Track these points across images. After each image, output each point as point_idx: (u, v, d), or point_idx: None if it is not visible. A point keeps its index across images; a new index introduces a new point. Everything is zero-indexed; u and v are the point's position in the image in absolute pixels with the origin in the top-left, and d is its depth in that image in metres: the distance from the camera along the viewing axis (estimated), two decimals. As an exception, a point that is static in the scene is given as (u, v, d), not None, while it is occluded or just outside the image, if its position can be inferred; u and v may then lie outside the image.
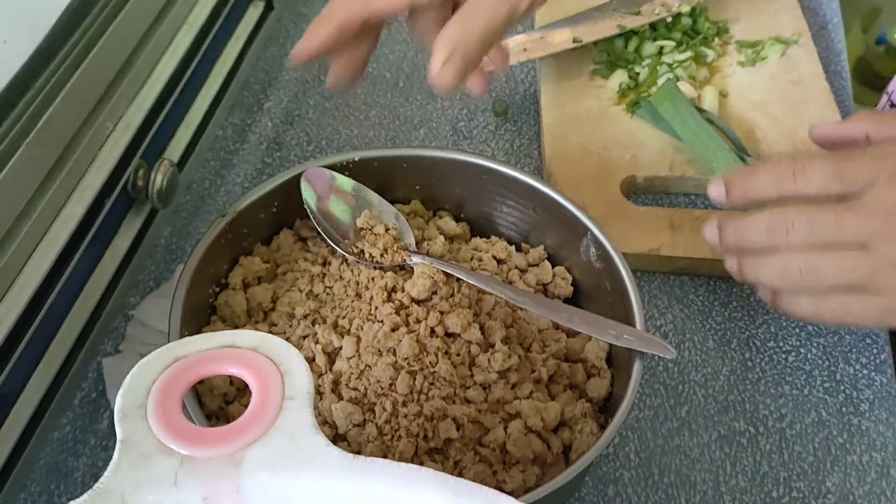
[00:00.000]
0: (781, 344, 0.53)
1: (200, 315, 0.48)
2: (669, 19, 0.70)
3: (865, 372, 0.52)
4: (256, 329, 0.47)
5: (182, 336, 0.43)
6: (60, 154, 0.42)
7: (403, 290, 0.47)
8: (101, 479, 0.30)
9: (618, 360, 0.47)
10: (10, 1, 0.45)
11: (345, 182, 0.50)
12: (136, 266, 0.52)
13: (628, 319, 0.46)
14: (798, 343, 0.53)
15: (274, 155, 0.63)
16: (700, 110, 0.61)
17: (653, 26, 0.69)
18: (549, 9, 0.70)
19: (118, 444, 0.31)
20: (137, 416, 0.32)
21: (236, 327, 0.47)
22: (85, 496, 0.30)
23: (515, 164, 0.63)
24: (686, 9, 0.70)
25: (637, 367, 0.43)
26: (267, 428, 0.32)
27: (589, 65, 0.68)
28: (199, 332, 0.47)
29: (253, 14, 0.65)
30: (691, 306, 0.55)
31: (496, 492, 0.31)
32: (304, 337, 0.46)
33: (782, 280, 0.46)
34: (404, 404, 0.43)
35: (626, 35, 0.69)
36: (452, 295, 0.48)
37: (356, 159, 0.51)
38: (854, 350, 0.53)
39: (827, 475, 0.48)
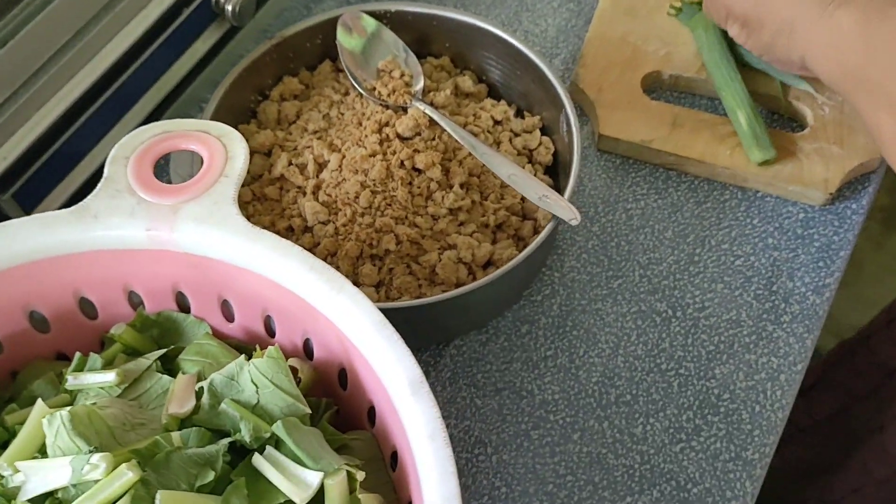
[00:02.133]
0: (735, 248, 0.58)
1: (241, 115, 0.60)
2: None
3: (803, 290, 0.56)
4: (276, 135, 0.58)
5: (212, 126, 0.55)
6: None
7: (392, 126, 0.56)
8: (84, 200, 0.43)
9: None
10: None
11: (368, 22, 0.59)
12: (215, 70, 0.65)
13: (561, 188, 0.52)
14: (751, 251, 0.57)
15: (360, -4, 0.72)
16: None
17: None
18: None
19: (102, 180, 0.44)
20: (121, 164, 0.44)
21: (266, 130, 0.59)
22: (72, 208, 0.43)
23: (559, 42, 0.68)
24: None
25: (550, 225, 0.50)
26: (202, 193, 0.43)
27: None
28: (235, 127, 0.59)
29: None
30: (667, 199, 0.60)
31: (341, 276, 0.41)
32: (307, 147, 0.57)
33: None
34: (362, 215, 0.53)
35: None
36: (434, 139, 0.56)
37: (393, 10, 0.60)
38: (803, 268, 0.56)
39: (718, 365, 0.53)
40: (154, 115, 0.60)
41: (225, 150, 0.45)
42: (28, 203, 0.53)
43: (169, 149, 0.45)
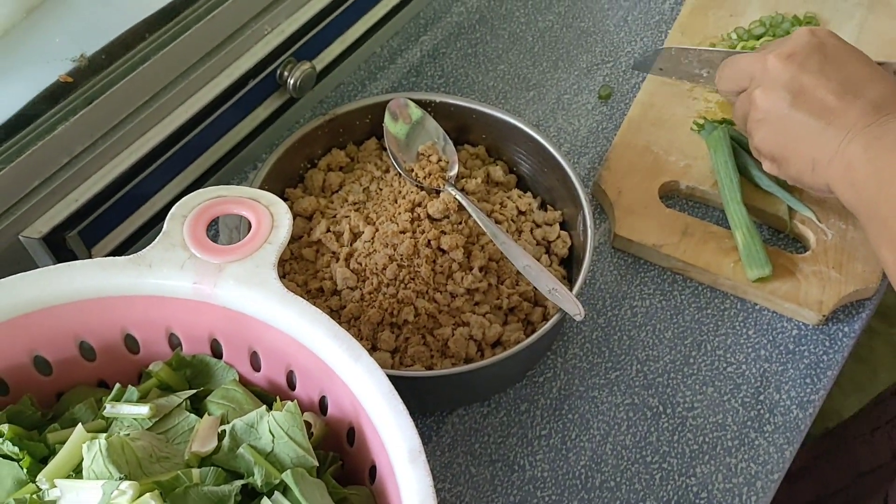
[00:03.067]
0: (728, 356, 0.62)
1: (289, 179, 0.65)
2: None
3: (788, 403, 0.59)
4: (319, 202, 0.64)
5: (263, 187, 0.61)
6: (222, 41, 0.61)
7: (424, 207, 0.61)
8: (142, 251, 0.49)
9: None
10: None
11: (414, 111, 0.65)
12: (273, 134, 0.71)
13: (572, 283, 0.57)
14: (744, 360, 0.61)
15: (410, 79, 0.78)
16: (751, 160, 0.68)
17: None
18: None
19: (161, 234, 0.49)
20: (179, 222, 0.50)
21: (311, 196, 0.65)
22: (131, 255, 0.49)
23: (588, 144, 0.73)
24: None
25: (556, 316, 0.55)
26: (246, 256, 0.49)
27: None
28: (283, 190, 0.65)
29: (432, -35, 0.80)
30: (671, 301, 0.64)
31: (359, 345, 0.46)
32: (345, 217, 0.62)
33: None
34: (387, 286, 0.58)
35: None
36: (460, 223, 0.61)
37: (437, 101, 0.66)
38: (791, 382, 0.60)
39: (700, 464, 0.57)
40: (212, 171, 0.66)
41: (272, 218, 0.50)
42: (90, 240, 0.59)
43: (222, 212, 0.51)
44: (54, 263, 0.57)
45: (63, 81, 0.53)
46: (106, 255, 0.61)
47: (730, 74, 0.62)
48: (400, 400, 0.43)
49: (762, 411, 0.59)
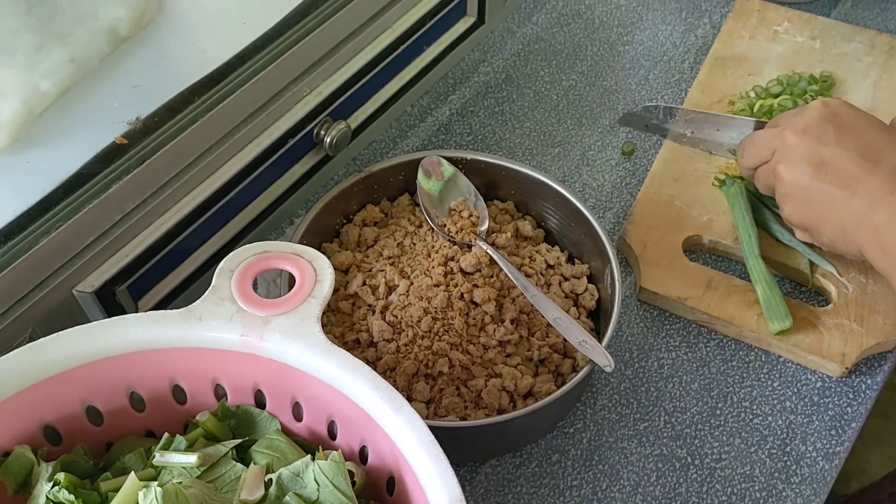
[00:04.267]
0: (755, 408, 0.63)
1: (326, 234, 0.68)
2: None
3: (814, 455, 0.60)
4: (355, 256, 0.66)
5: (301, 242, 0.64)
6: (264, 102, 0.64)
7: (457, 261, 0.64)
8: (192, 305, 0.51)
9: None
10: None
11: (447, 169, 0.67)
12: (308, 190, 0.74)
13: (601, 334, 0.59)
14: (769, 411, 0.63)
15: (440, 137, 0.81)
16: (770, 214, 0.70)
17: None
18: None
19: (210, 288, 0.51)
20: (227, 276, 0.52)
21: (346, 250, 0.67)
22: (181, 309, 0.51)
23: (612, 199, 0.76)
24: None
25: (586, 369, 0.57)
26: (291, 309, 0.51)
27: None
28: (320, 244, 0.67)
29: (462, 25, 0.83)
30: (696, 353, 0.66)
31: (401, 397, 0.47)
32: (381, 271, 0.64)
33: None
34: (422, 338, 0.60)
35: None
36: (492, 277, 0.63)
37: (468, 158, 0.68)
38: (816, 434, 0.61)
39: (729, 515, 0.58)
40: (250, 226, 0.69)
41: (315, 272, 0.53)
42: (136, 293, 0.61)
43: (267, 267, 0.53)
44: (104, 316, 0.60)
45: (119, 143, 0.56)
46: (151, 308, 0.63)
47: (751, 151, 0.65)
48: (441, 450, 0.45)
49: (789, 463, 0.60)
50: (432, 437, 0.46)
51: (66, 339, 0.49)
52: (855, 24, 0.87)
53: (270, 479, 0.47)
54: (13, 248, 0.52)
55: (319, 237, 0.67)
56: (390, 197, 0.71)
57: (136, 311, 0.62)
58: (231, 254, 0.53)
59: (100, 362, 0.51)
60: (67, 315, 0.57)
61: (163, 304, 0.64)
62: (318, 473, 0.47)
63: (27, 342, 0.56)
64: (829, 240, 0.61)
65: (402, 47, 0.75)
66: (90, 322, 0.59)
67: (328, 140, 0.71)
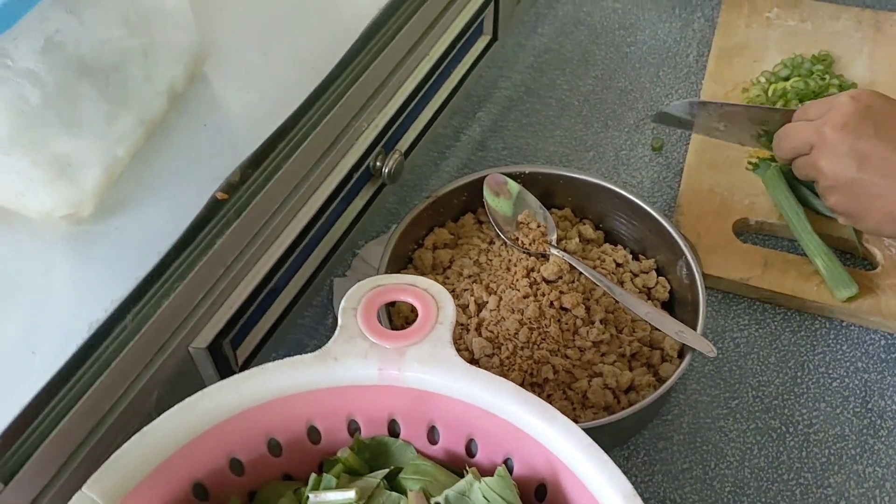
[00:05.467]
0: (831, 371, 0.67)
1: (401, 262, 0.70)
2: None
3: (894, 408, 0.65)
4: (435, 279, 0.68)
5: (387, 272, 0.65)
6: (331, 142, 0.65)
7: (538, 272, 0.66)
8: (325, 346, 0.52)
9: (685, 353, 0.64)
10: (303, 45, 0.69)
11: (513, 186, 0.70)
12: (366, 220, 0.75)
13: (693, 324, 0.62)
14: (845, 374, 0.67)
15: (477, 154, 0.83)
16: (806, 190, 0.75)
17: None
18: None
19: (338, 328, 0.53)
20: (351, 314, 0.53)
21: (423, 275, 0.69)
22: (315, 352, 0.52)
23: (655, 193, 0.79)
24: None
25: (688, 358, 0.60)
26: (423, 337, 0.52)
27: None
28: (397, 272, 0.69)
29: (480, 44, 0.86)
30: (766, 328, 0.70)
31: (552, 407, 0.50)
32: (465, 290, 0.67)
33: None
34: (521, 349, 0.63)
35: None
36: (574, 281, 0.66)
37: (526, 172, 0.71)
38: (892, 388, 0.66)
39: (832, 475, 0.62)
40: (322, 263, 0.70)
41: (434, 300, 0.55)
42: (235, 343, 0.62)
43: (387, 300, 0.55)
44: (215, 371, 0.61)
45: (220, 199, 0.57)
46: (248, 356, 0.64)
47: (788, 145, 0.69)
48: (602, 451, 0.47)
49: (873, 419, 0.64)
50: (591, 440, 0.48)
51: (212, 395, 0.50)
52: (838, 4, 0.93)
53: (437, 503, 0.49)
54: (138, 314, 0.53)
55: (395, 266, 0.68)
56: (454, 218, 0.73)
57: (237, 362, 0.63)
58: (348, 292, 0.54)
59: (242, 414, 0.51)
60: (183, 374, 0.57)
61: (256, 351, 0.65)
62: (485, 490, 0.48)
63: (154, 405, 0.57)
64: (876, 224, 0.64)
65: (438, 72, 0.77)
66: (202, 378, 0.61)
67: (386, 170, 0.72)
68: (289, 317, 0.68)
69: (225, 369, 0.62)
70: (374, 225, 0.78)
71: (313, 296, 0.73)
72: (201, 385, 0.53)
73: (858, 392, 0.66)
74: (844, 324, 0.70)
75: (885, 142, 0.63)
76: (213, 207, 0.57)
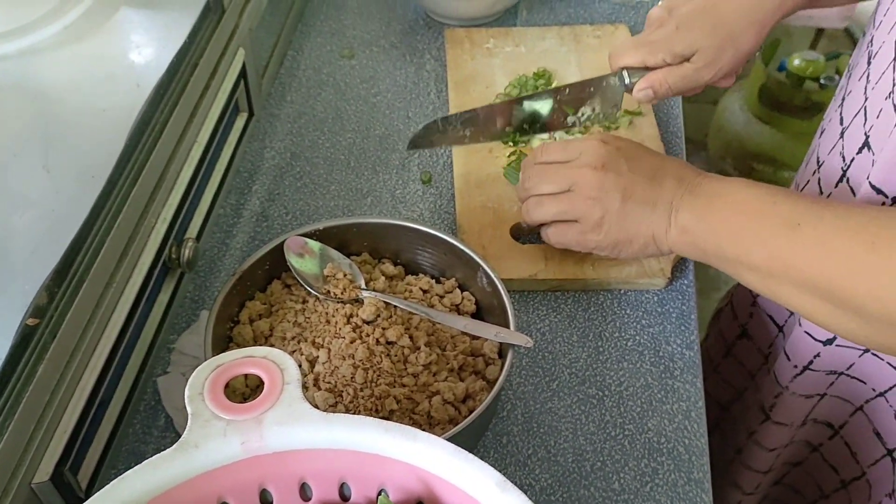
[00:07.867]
0: (622, 334, 0.77)
1: (222, 343, 0.71)
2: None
3: (679, 350, 0.76)
4: (260, 349, 0.70)
5: (213, 356, 0.66)
6: (126, 243, 0.66)
7: (357, 316, 0.70)
8: (183, 437, 0.53)
9: (504, 352, 0.70)
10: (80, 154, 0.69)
11: (314, 245, 0.74)
12: (173, 313, 0.75)
13: (506, 324, 0.69)
14: (634, 333, 0.77)
15: (262, 225, 0.86)
16: None
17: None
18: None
19: (189, 417, 0.53)
20: (199, 399, 0.54)
21: (246, 349, 0.70)
22: (174, 446, 0.52)
23: (436, 220, 0.86)
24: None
25: (510, 355, 0.67)
26: (275, 401, 0.54)
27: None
28: (220, 353, 0.70)
29: (240, 122, 0.89)
30: (561, 313, 0.79)
31: (411, 427, 0.54)
32: (293, 351, 0.69)
33: (530, 215, 0.76)
34: (362, 390, 0.66)
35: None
36: (391, 316, 0.71)
37: (321, 228, 0.75)
38: (672, 335, 0.77)
39: (648, 419, 0.71)
40: (144, 364, 0.69)
41: (276, 364, 0.57)
42: (74, 468, 0.60)
43: (230, 377, 0.56)
44: (63, 503, 0.58)
45: (31, 325, 0.55)
46: (89, 479, 0.62)
47: (543, 181, 0.74)
48: (466, 452, 0.52)
49: (667, 363, 0.75)
50: (454, 446, 0.53)
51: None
52: (541, 26, 1.07)
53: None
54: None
55: (219, 348, 0.69)
56: (262, 288, 0.75)
57: (80, 487, 0.61)
58: (189, 380, 0.55)
59: (114, 529, 0.51)
60: (31, 512, 0.55)
61: (97, 471, 0.63)
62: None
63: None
64: (640, 248, 0.72)
65: (209, 156, 0.79)
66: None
67: (184, 259, 0.73)
68: (121, 428, 0.67)
69: (71, 498, 0.59)
70: (181, 317, 0.78)
71: (138, 402, 0.71)
72: (53, 520, 0.51)
73: (649, 345, 0.76)
74: (622, 292, 0.80)
75: (638, 175, 0.71)
76: (27, 335, 0.55)
